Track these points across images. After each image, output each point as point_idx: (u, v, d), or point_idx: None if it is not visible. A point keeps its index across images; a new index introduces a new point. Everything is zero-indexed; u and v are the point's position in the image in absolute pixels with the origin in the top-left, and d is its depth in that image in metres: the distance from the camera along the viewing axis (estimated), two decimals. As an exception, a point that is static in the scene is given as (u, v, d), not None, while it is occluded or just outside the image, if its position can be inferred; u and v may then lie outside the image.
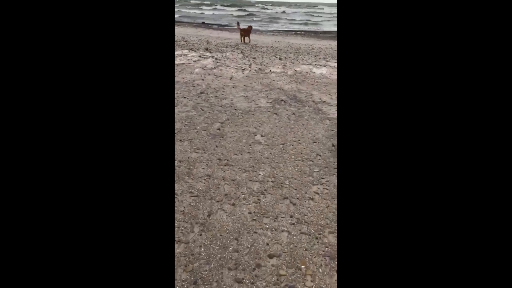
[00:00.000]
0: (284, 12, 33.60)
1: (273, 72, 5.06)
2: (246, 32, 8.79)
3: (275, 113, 3.15)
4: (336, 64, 5.87)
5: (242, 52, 6.81)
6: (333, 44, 9.65)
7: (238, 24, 9.52)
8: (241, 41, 8.85)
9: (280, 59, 6.27)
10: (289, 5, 59.21)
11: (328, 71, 5.31)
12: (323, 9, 44.59)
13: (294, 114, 3.16)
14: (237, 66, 5.40)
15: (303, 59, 6.42)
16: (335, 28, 18.21)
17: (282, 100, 3.59)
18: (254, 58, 6.18)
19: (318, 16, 29.38)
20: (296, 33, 15.00)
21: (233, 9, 38.26)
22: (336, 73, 5.19)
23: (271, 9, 38.46)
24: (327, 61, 6.26)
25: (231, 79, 4.50)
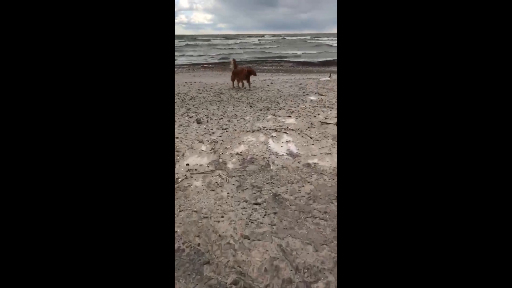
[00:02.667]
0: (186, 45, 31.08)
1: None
2: (240, 75, 5.66)
3: None
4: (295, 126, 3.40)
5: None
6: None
7: (234, 61, 5.98)
8: (233, 85, 5.87)
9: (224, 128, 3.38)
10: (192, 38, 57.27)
11: (294, 140, 2.74)
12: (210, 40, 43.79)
13: None
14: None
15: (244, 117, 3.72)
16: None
17: None
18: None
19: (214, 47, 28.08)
20: (204, 66, 12.47)
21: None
22: (335, 159, 2.65)
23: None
24: (275, 115, 3.74)
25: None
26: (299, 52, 19.66)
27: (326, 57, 15.87)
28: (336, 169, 2.16)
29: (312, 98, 4.74)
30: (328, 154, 2.43)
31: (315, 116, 3.61)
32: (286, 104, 4.39)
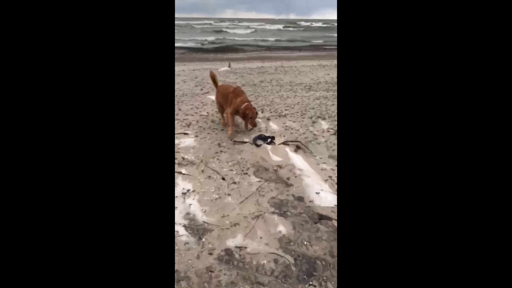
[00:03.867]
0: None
1: None
2: (224, 99, 2.47)
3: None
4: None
5: None
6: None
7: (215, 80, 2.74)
8: (223, 121, 2.63)
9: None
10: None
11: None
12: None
13: None
14: None
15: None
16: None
17: None
18: None
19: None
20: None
21: None
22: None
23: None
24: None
25: None
26: (194, 38, 17.82)
27: (221, 43, 14.85)
28: (284, 261, 1.17)
29: (214, 98, 3.63)
30: (258, 216, 1.41)
31: (222, 130, 2.54)
32: (180, 110, 3.12)
